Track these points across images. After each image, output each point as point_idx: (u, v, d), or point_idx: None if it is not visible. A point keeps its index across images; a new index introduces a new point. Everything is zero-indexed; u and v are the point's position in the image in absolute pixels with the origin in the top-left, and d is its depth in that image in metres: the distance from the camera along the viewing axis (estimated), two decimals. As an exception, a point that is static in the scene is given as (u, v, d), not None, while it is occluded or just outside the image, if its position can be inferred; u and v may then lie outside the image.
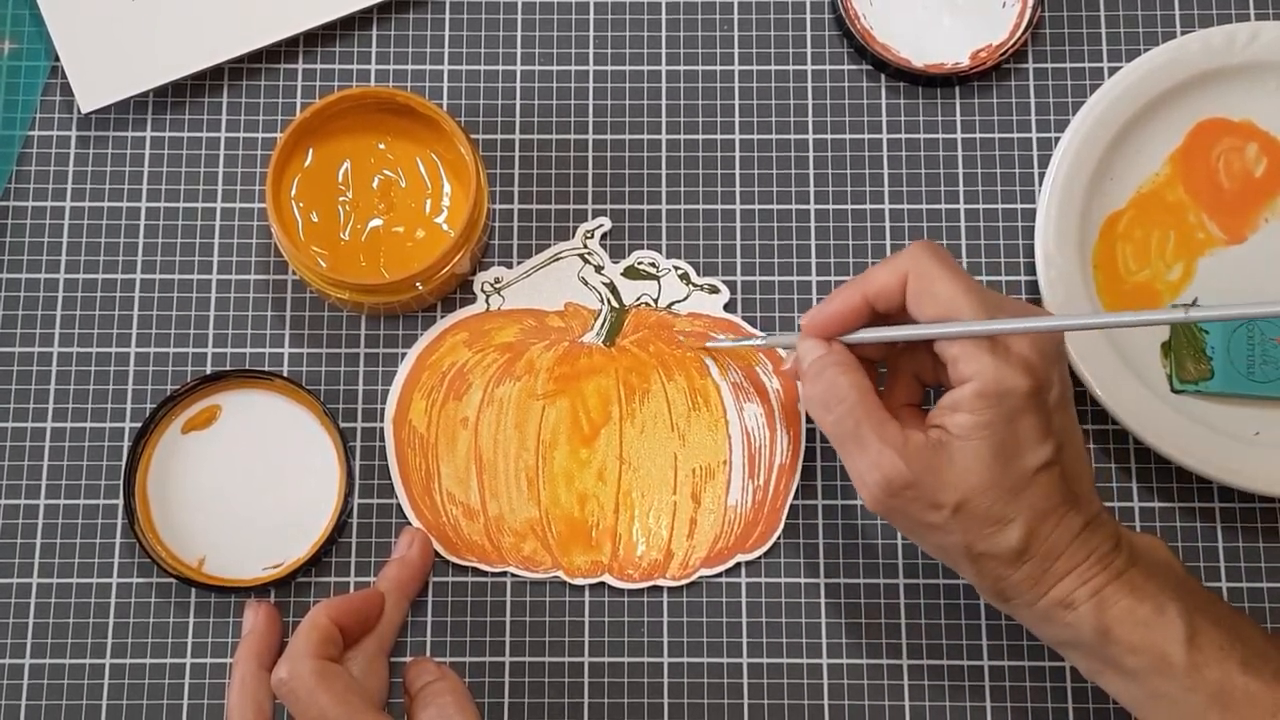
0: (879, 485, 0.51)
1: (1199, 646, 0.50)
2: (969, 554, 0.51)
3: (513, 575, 0.61)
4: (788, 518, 0.61)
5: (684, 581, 0.61)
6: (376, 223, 0.63)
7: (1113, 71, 0.65)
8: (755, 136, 0.66)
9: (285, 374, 0.62)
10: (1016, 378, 0.49)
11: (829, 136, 0.66)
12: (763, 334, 0.62)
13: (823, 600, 0.61)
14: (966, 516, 0.50)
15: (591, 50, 0.67)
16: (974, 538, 0.51)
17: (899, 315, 0.53)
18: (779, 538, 0.61)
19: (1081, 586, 0.51)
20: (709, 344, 0.62)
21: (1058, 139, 0.64)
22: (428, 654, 0.60)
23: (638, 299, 0.64)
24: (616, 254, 0.65)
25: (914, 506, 0.51)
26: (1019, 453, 0.50)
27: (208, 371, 0.63)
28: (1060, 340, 0.52)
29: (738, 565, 0.61)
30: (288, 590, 0.61)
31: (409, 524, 0.61)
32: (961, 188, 0.65)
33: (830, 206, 0.65)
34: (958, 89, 0.66)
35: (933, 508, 0.50)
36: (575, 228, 0.65)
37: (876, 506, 0.52)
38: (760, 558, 0.61)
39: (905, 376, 0.56)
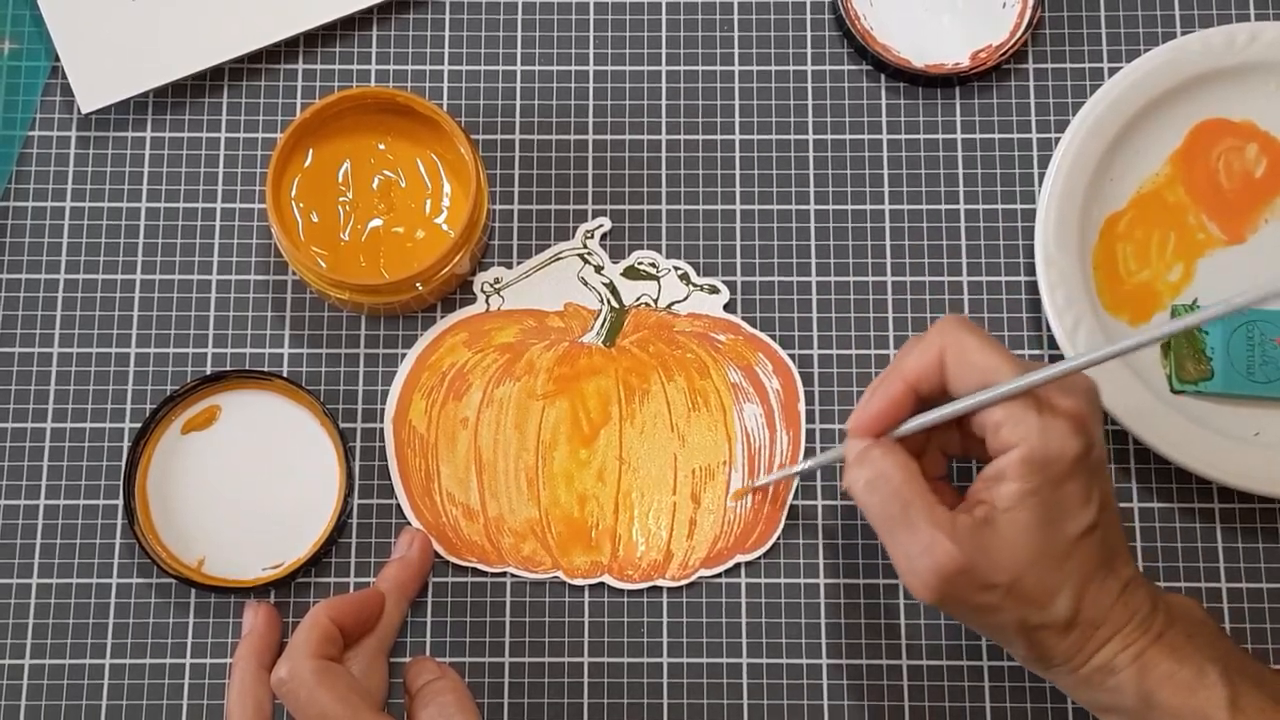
0: (932, 572, 0.48)
1: (1241, 709, 0.49)
2: (1022, 629, 0.50)
3: (512, 575, 0.61)
4: (788, 518, 0.61)
5: (684, 582, 0.61)
6: (376, 223, 0.63)
7: (1113, 72, 0.65)
8: (755, 136, 0.66)
9: (285, 374, 0.62)
10: (1065, 439, 0.48)
11: (829, 136, 0.66)
12: (809, 461, 0.59)
13: (823, 600, 0.61)
14: (1019, 593, 0.49)
15: (591, 50, 0.67)
16: (1027, 612, 0.49)
17: (940, 397, 0.51)
18: (779, 538, 0.61)
19: (1123, 651, 0.50)
20: (756, 483, 0.61)
21: (1058, 139, 0.64)
22: (428, 654, 0.60)
23: (638, 299, 0.64)
24: (616, 254, 0.65)
25: (967, 590, 0.49)
26: (1064, 518, 0.48)
27: (208, 371, 0.63)
28: (1099, 398, 0.51)
29: (737, 565, 0.61)
30: (288, 590, 0.61)
31: (409, 524, 0.61)
32: (961, 188, 0.65)
33: (830, 207, 0.65)
34: (958, 89, 0.66)
35: (985, 589, 0.49)
36: (575, 228, 0.65)
37: (927, 595, 0.49)
38: (760, 558, 0.61)
39: (931, 451, 0.55)
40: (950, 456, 0.55)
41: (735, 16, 0.67)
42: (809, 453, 0.62)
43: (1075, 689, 0.52)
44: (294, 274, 0.63)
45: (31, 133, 0.66)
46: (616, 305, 0.64)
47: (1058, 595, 0.49)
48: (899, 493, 0.49)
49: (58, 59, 0.66)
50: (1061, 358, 0.61)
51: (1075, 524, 0.49)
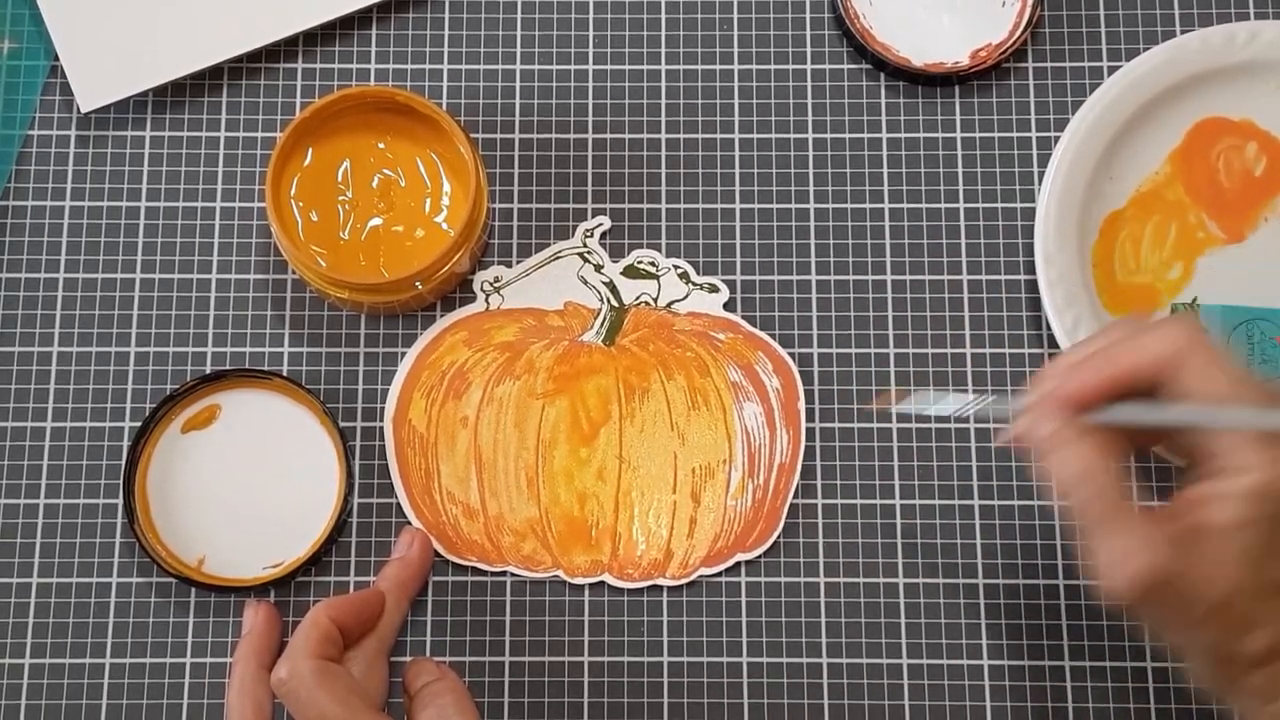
0: (1133, 578, 0.46)
1: None
2: (1213, 652, 0.49)
3: (512, 575, 0.61)
4: (788, 517, 0.61)
5: (684, 581, 0.61)
6: (376, 222, 0.63)
7: (1112, 71, 0.65)
8: (755, 136, 0.66)
9: (285, 374, 0.62)
10: None
11: (829, 136, 0.66)
12: (973, 404, 0.55)
13: (823, 600, 0.61)
14: (1221, 616, 0.47)
15: (591, 50, 0.67)
16: (1224, 637, 0.48)
17: (1141, 394, 0.49)
18: (779, 537, 0.61)
19: None
20: (931, 410, 0.56)
21: (1058, 139, 0.64)
22: (428, 654, 0.60)
23: (637, 298, 0.64)
24: (616, 253, 0.65)
25: (1169, 600, 0.47)
26: None
27: (208, 371, 0.63)
28: None
29: (738, 565, 0.61)
30: (287, 590, 0.61)
31: (409, 523, 0.61)
32: (961, 187, 0.65)
33: (830, 206, 0.65)
34: (957, 88, 0.66)
35: (1187, 604, 0.47)
36: (575, 227, 0.65)
37: (1124, 598, 0.47)
38: (760, 557, 0.61)
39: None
40: (1137, 453, 0.53)
41: (735, 16, 0.67)
42: (809, 452, 0.62)
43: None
44: (294, 273, 0.63)
45: (31, 132, 0.66)
46: (616, 304, 0.64)
47: (1261, 629, 0.48)
48: (1107, 491, 0.48)
49: (57, 59, 0.66)
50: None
51: None
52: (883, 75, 0.66)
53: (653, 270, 0.64)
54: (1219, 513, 0.47)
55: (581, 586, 0.61)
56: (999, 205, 0.65)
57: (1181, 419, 0.48)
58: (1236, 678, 0.49)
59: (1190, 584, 0.47)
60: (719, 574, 0.61)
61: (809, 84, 0.66)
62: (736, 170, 0.65)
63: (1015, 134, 0.66)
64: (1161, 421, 0.49)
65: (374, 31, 0.67)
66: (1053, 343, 0.63)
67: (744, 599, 0.61)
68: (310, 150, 0.62)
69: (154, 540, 0.60)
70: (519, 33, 0.67)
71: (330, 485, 0.61)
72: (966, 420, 0.62)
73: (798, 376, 0.63)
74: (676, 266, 0.64)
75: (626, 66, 0.67)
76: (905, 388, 0.61)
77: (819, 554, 0.62)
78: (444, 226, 0.62)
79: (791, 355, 0.63)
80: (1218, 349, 0.48)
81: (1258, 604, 0.47)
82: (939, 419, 0.62)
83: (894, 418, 0.63)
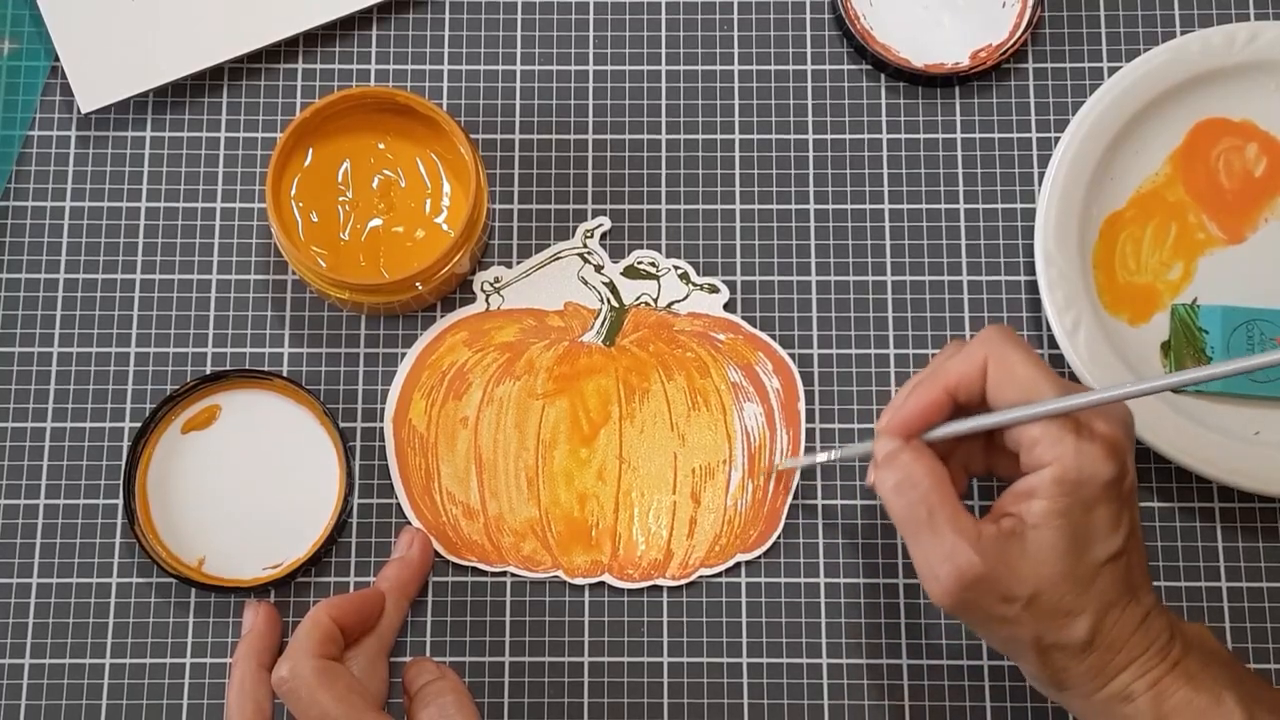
0: (951, 578, 0.49)
1: None
2: (1037, 646, 0.50)
3: (512, 575, 0.61)
4: (788, 518, 0.61)
5: (684, 581, 0.61)
6: (376, 223, 0.63)
7: (1113, 71, 0.65)
8: (755, 136, 0.66)
9: (285, 374, 0.62)
10: (1099, 463, 0.48)
11: (829, 136, 0.66)
12: (833, 447, 0.60)
13: (823, 600, 0.61)
14: (1038, 609, 0.49)
15: (591, 50, 0.67)
16: (1044, 630, 0.49)
17: (976, 406, 0.51)
18: (779, 538, 0.61)
19: (1140, 679, 0.50)
20: (778, 466, 0.61)
21: (1058, 139, 0.64)
22: (428, 654, 0.60)
23: (637, 298, 0.64)
24: (616, 253, 0.65)
25: (986, 600, 0.49)
26: (1092, 543, 0.48)
27: (208, 371, 0.63)
28: (1134, 427, 0.50)
29: (738, 565, 0.61)
30: (288, 590, 0.61)
31: (409, 524, 0.61)
32: (961, 188, 0.65)
33: (830, 206, 0.65)
34: (957, 89, 0.66)
35: (1005, 601, 0.49)
36: (575, 227, 0.65)
37: (945, 600, 0.49)
38: (760, 558, 0.61)
39: (954, 463, 0.54)
40: (970, 474, 0.55)
41: (735, 16, 0.67)
42: (809, 450, 0.62)
43: (1087, 714, 0.52)
44: (294, 274, 0.63)
45: (31, 133, 0.66)
46: (616, 304, 0.64)
47: (1078, 617, 0.49)
48: (926, 498, 0.49)
49: (58, 59, 0.66)
50: (1062, 358, 0.61)
51: (1102, 549, 0.49)
52: (883, 76, 0.66)
53: (653, 271, 0.64)
54: (1030, 508, 0.49)
55: (581, 587, 0.61)
56: (999, 206, 0.65)
57: (992, 423, 0.50)
58: (1060, 672, 0.50)
59: (1006, 581, 0.48)
60: (719, 574, 0.61)
61: (809, 84, 0.66)
62: (736, 170, 0.65)
63: (1015, 134, 0.66)
64: (973, 428, 0.50)
65: (374, 31, 0.67)
66: (1053, 343, 0.63)
67: (744, 599, 0.61)
68: (310, 150, 0.62)
69: (154, 540, 0.60)
70: (519, 33, 0.67)
71: (330, 485, 0.61)
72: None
73: (798, 377, 0.63)
74: (676, 267, 0.64)
75: (627, 66, 0.67)
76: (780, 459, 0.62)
77: (819, 554, 0.62)
78: (444, 227, 0.62)
79: (791, 356, 0.63)
80: (1018, 352, 0.50)
81: (1071, 594, 0.49)
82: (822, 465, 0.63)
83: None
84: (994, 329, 0.51)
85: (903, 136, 0.66)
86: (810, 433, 0.62)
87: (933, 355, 0.60)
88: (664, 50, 0.67)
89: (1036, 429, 0.49)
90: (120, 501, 0.61)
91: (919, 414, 0.51)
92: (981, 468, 0.54)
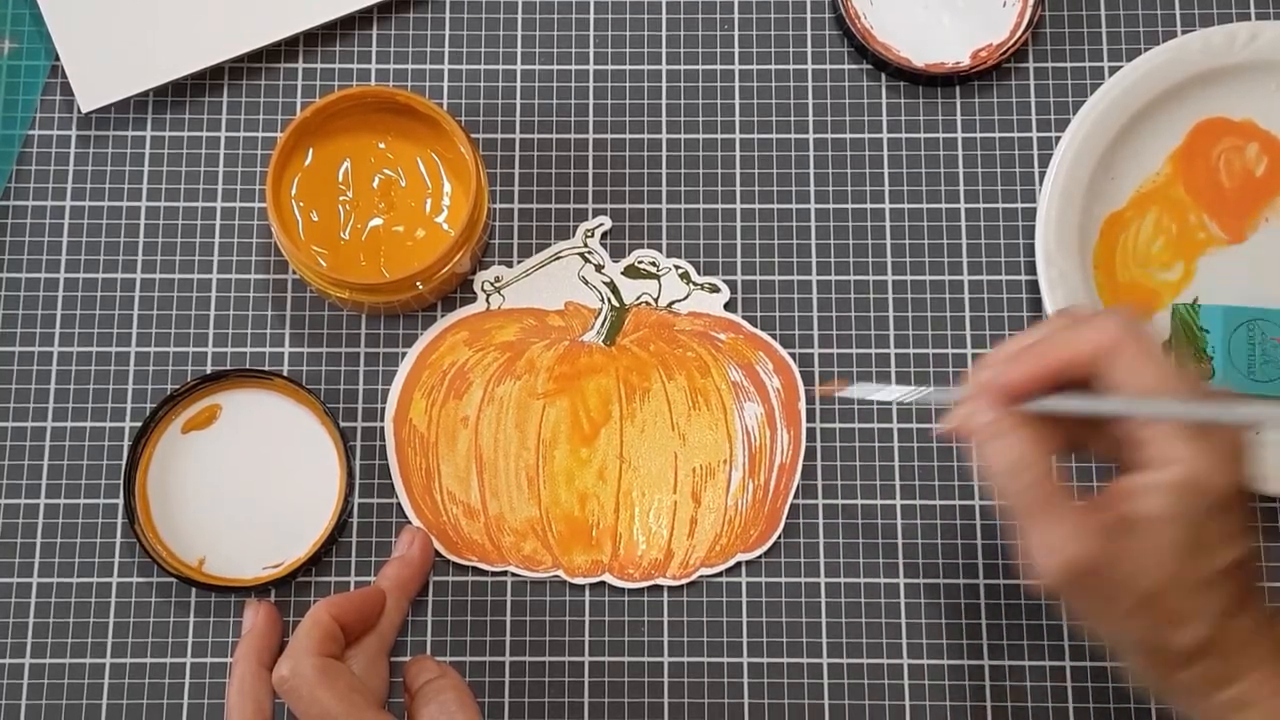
0: (1063, 567, 0.47)
1: None
2: (1144, 646, 0.49)
3: (513, 574, 0.61)
4: (788, 518, 0.61)
5: (684, 581, 0.61)
6: (376, 222, 0.63)
7: (1113, 71, 0.65)
8: (755, 136, 0.66)
9: (285, 374, 0.62)
10: (1225, 471, 0.46)
11: (829, 136, 0.66)
12: (917, 391, 0.57)
13: (823, 600, 0.61)
14: (1150, 608, 0.47)
15: (591, 50, 0.67)
16: (1154, 631, 0.48)
17: (1077, 385, 0.49)
18: (779, 537, 0.61)
19: (1256, 689, 0.48)
20: (873, 396, 0.59)
21: (1058, 139, 0.64)
22: (428, 653, 0.60)
23: (638, 298, 0.64)
24: (617, 253, 0.65)
25: (1096, 592, 0.48)
26: (1212, 548, 0.47)
27: (208, 371, 0.63)
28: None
29: (738, 565, 0.61)
30: (288, 590, 0.61)
31: (409, 523, 0.61)
32: (961, 187, 0.65)
33: (830, 206, 0.65)
34: (958, 89, 0.66)
35: (1116, 596, 0.47)
36: (575, 227, 0.65)
37: (1054, 587, 0.48)
38: (760, 557, 0.61)
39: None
40: (1068, 451, 0.52)
41: (735, 16, 0.67)
42: (809, 452, 0.62)
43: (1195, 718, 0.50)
44: (294, 273, 0.63)
45: (31, 132, 0.66)
46: (617, 304, 0.64)
47: (1191, 622, 0.48)
48: (1040, 481, 0.48)
49: (58, 59, 0.66)
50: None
51: (1223, 556, 0.47)
52: (883, 75, 0.66)
53: (653, 270, 0.64)
54: (1146, 504, 0.47)
55: (582, 586, 0.61)
56: (999, 205, 0.65)
57: (1112, 409, 0.48)
58: (1169, 674, 0.49)
59: (1119, 575, 0.47)
60: (719, 574, 0.61)
61: (809, 84, 0.66)
62: (737, 170, 0.65)
63: (1016, 134, 0.66)
64: (1094, 411, 0.49)
65: (374, 31, 0.67)
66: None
67: (744, 599, 0.61)
68: (311, 150, 0.62)
69: (154, 540, 0.60)
70: (519, 33, 0.67)
71: (330, 485, 0.61)
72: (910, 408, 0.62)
73: (798, 376, 0.63)
74: (677, 266, 0.64)
75: (627, 66, 0.67)
76: (846, 376, 0.61)
77: (819, 554, 0.62)
78: (444, 226, 0.62)
79: (792, 355, 0.63)
80: (1149, 343, 0.48)
81: (1186, 598, 0.47)
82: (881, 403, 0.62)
83: (894, 415, 0.63)
84: (1127, 314, 0.49)
85: (903, 136, 0.66)
86: (811, 432, 0.62)
87: (1006, 337, 0.57)
88: (664, 50, 0.67)
89: (1156, 427, 0.47)
90: (120, 501, 0.61)
91: (1026, 383, 0.49)
92: (1063, 443, 0.51)
